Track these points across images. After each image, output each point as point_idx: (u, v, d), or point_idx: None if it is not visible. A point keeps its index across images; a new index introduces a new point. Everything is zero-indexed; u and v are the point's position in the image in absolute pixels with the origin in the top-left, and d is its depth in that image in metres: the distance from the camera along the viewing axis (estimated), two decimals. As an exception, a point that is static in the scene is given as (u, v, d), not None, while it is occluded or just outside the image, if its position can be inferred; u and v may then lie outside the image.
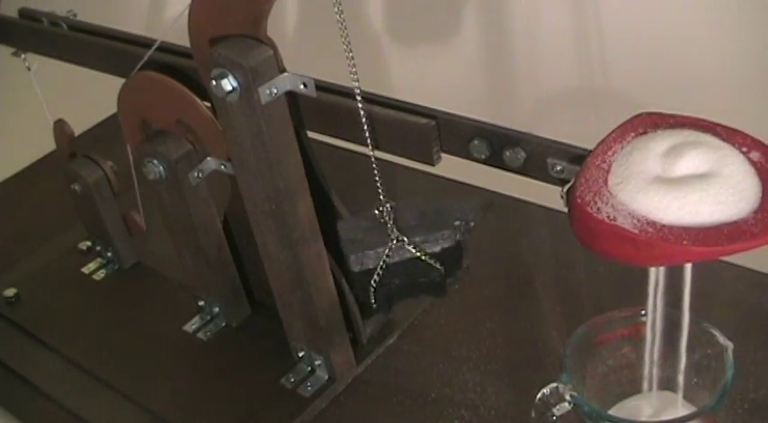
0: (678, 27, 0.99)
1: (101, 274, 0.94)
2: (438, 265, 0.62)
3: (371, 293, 0.64)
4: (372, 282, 0.63)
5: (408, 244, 0.61)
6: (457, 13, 1.18)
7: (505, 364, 0.75)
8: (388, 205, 0.63)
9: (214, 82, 0.62)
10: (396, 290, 0.64)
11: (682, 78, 0.99)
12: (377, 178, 0.63)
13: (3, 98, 1.27)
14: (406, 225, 0.62)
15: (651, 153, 0.52)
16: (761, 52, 0.95)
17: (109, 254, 0.94)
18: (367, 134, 0.62)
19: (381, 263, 0.62)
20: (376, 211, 0.63)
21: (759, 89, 0.96)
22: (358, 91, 0.61)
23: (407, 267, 0.62)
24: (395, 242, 0.62)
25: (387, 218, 0.62)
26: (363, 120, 0.62)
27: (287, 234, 0.68)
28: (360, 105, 0.61)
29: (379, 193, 0.63)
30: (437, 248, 0.62)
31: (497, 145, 0.60)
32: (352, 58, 0.60)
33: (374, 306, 0.65)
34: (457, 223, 0.62)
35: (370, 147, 0.63)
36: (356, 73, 0.60)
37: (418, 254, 0.62)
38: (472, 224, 0.63)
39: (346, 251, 0.62)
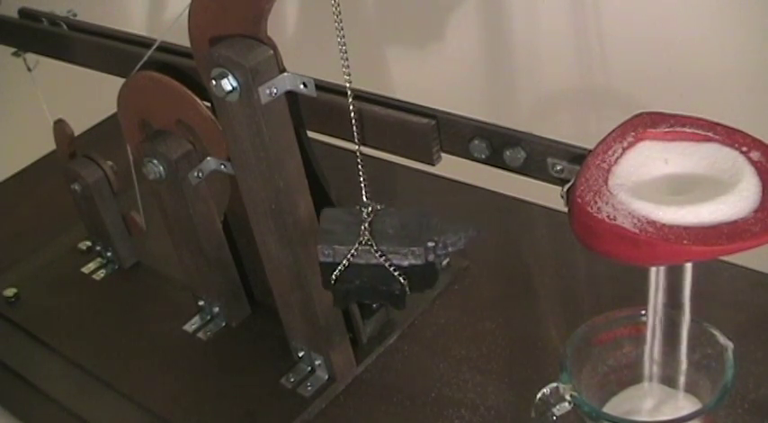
0: (678, 27, 0.99)
1: (101, 274, 0.94)
2: (402, 279, 0.62)
3: (331, 286, 0.64)
4: (333, 275, 0.63)
5: (375, 251, 0.61)
6: (457, 12, 1.18)
7: (505, 364, 0.75)
8: (369, 207, 0.63)
9: (214, 82, 0.62)
10: (355, 290, 0.64)
11: (682, 78, 0.99)
12: (361, 176, 0.63)
13: (3, 98, 1.27)
14: (383, 232, 0.62)
15: (652, 153, 0.52)
16: (761, 52, 0.95)
17: (109, 254, 0.94)
18: (354, 130, 0.62)
19: (345, 260, 0.62)
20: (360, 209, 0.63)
21: (759, 89, 0.96)
22: (348, 87, 0.61)
23: (371, 272, 0.62)
24: (362, 244, 0.62)
25: (363, 218, 0.62)
26: (351, 115, 0.62)
27: (287, 234, 0.68)
28: (350, 101, 0.61)
29: (364, 193, 0.63)
30: (405, 263, 0.62)
31: (497, 145, 0.60)
32: (346, 51, 0.60)
33: (333, 300, 0.65)
34: (430, 244, 0.61)
35: (356, 143, 0.63)
36: (348, 68, 0.60)
37: (383, 262, 0.61)
38: (450, 249, 0.62)
39: (318, 239, 0.63)
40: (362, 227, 0.62)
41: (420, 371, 0.76)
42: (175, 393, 0.79)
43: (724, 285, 0.77)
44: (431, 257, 0.62)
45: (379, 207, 0.63)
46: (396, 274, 0.61)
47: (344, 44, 0.59)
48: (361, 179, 0.63)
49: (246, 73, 0.61)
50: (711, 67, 0.98)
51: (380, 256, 0.61)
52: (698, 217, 0.48)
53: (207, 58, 0.62)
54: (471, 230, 0.62)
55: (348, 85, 0.61)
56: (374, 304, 0.79)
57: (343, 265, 0.62)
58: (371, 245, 0.61)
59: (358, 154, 0.63)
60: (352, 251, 0.62)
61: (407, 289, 0.62)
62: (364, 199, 0.63)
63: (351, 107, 0.62)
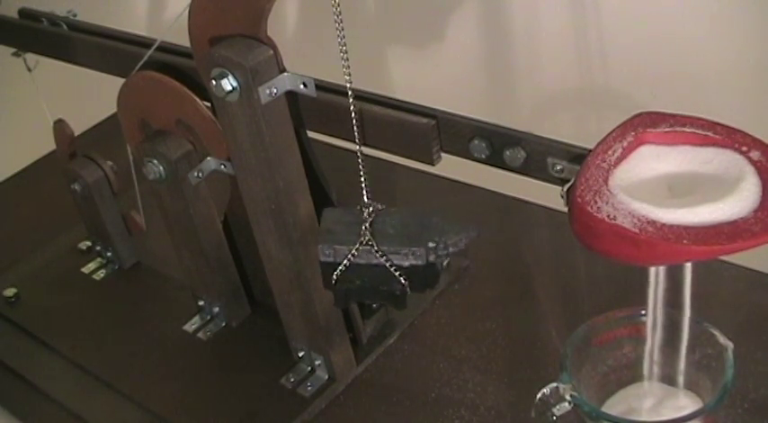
0: (678, 27, 0.99)
1: (101, 274, 0.94)
2: (402, 279, 0.62)
3: (331, 286, 0.64)
4: (334, 275, 0.63)
5: (376, 251, 0.61)
6: (457, 12, 1.18)
7: (505, 364, 0.75)
8: (369, 207, 0.63)
9: (214, 82, 0.62)
10: (356, 290, 0.64)
11: (682, 78, 0.99)
12: (362, 177, 0.63)
13: (3, 98, 1.27)
14: (384, 232, 0.62)
15: (652, 153, 0.52)
16: (761, 52, 0.95)
17: (109, 254, 0.94)
18: (355, 130, 0.62)
19: (346, 260, 0.62)
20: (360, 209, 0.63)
21: (759, 89, 0.96)
22: (349, 88, 0.61)
23: (372, 272, 0.62)
24: (362, 244, 0.62)
25: (364, 218, 0.62)
26: (353, 115, 0.62)
27: (287, 234, 0.68)
28: (350, 101, 0.61)
29: (365, 193, 0.63)
30: (405, 263, 0.61)
31: (497, 145, 0.60)
32: (346, 51, 0.60)
33: (334, 300, 0.65)
34: (431, 245, 0.61)
35: (357, 143, 0.63)
36: (349, 68, 0.60)
37: (384, 262, 0.61)
38: (451, 249, 0.62)
39: (319, 239, 0.63)
40: (363, 227, 0.62)
41: (420, 371, 0.76)
42: (175, 393, 0.79)
43: (724, 285, 0.77)
44: (432, 258, 0.62)
45: (380, 207, 0.63)
46: (397, 274, 0.61)
47: (345, 44, 0.59)
48: (362, 179, 0.63)
49: (246, 73, 0.61)
50: (711, 67, 0.98)
51: (381, 257, 0.61)
52: (698, 217, 0.48)
53: (207, 58, 0.62)
54: (472, 231, 0.62)
55: (348, 85, 0.61)
56: (374, 304, 0.79)
57: (344, 265, 0.62)
58: (372, 245, 0.61)
59: (359, 154, 0.63)
60: (353, 251, 0.62)
61: (408, 289, 0.62)
62: (365, 199, 0.63)
63: (351, 107, 0.62)
